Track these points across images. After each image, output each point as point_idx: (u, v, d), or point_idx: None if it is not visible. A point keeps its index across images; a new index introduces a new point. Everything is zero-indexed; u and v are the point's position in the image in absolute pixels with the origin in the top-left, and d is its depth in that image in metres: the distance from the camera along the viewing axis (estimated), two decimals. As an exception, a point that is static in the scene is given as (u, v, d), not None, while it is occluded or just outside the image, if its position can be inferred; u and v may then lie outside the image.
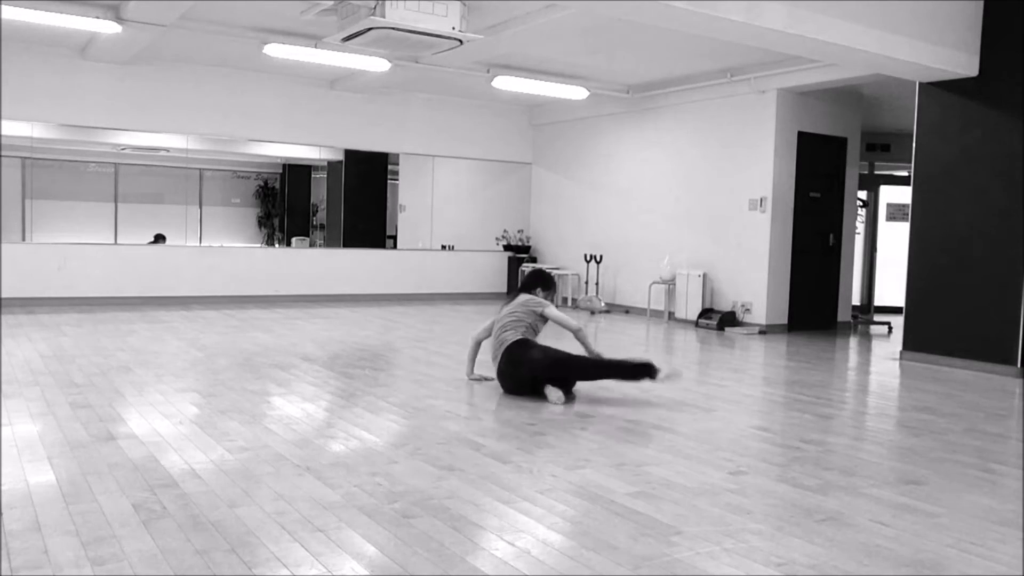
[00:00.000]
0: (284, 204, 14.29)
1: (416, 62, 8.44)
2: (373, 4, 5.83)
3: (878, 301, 10.54)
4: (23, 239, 10.81)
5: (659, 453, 3.74)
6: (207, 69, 9.58)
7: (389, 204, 13.19)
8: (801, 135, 8.75)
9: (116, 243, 11.76)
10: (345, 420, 4.19)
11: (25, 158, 10.95)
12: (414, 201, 13.31)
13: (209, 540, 2.54)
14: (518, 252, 11.84)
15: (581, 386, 5.10)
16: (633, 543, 2.62)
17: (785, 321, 8.83)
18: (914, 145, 7.01)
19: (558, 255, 11.56)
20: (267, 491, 3.03)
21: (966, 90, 6.64)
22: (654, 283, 9.72)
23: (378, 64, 8.34)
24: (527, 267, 11.43)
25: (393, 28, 5.87)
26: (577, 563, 2.45)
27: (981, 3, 6.49)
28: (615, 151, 10.63)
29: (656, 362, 4.79)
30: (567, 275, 11.11)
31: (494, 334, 5.06)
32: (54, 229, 11.62)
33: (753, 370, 6.30)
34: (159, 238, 11.33)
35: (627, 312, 10.26)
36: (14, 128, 9.34)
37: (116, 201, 12.93)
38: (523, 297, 5.22)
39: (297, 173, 14.18)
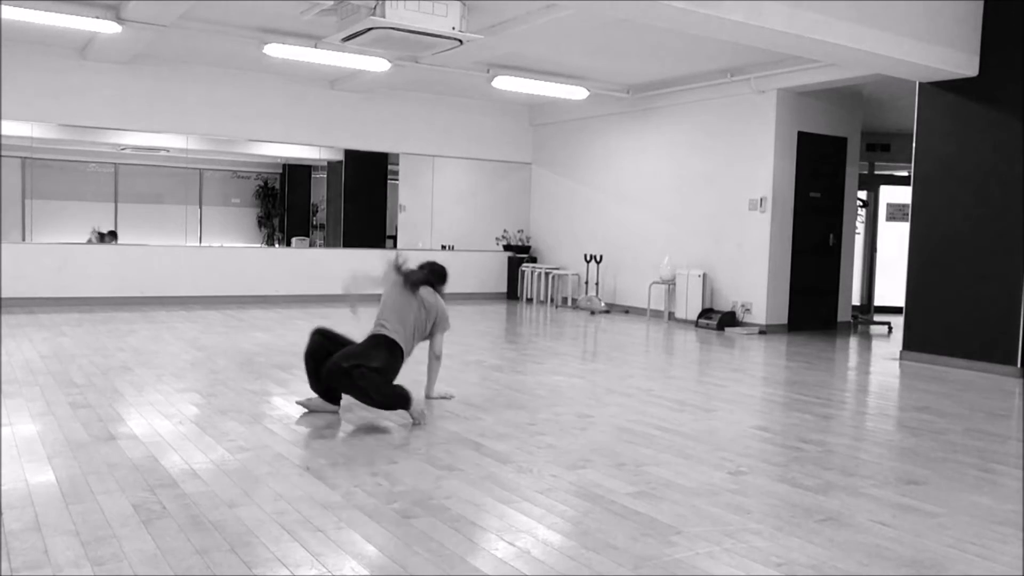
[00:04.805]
0: (284, 204, 14.30)
1: (416, 62, 8.44)
2: (373, 4, 5.83)
3: (878, 301, 10.54)
4: (23, 239, 10.82)
5: (659, 453, 3.74)
6: (207, 69, 9.58)
7: (389, 204, 13.20)
8: (801, 135, 8.75)
9: (116, 243, 11.75)
10: (345, 420, 4.19)
11: (25, 158, 10.95)
12: (414, 201, 13.31)
13: (209, 540, 2.54)
14: (518, 252, 11.84)
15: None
16: (633, 543, 2.62)
17: (785, 321, 8.83)
18: (914, 145, 7.01)
19: (558, 255, 11.56)
20: (267, 491, 3.03)
21: (966, 90, 6.64)
22: (654, 283, 9.71)
23: (378, 64, 8.34)
24: (527, 267, 11.44)
25: (393, 28, 5.87)
26: (577, 563, 2.45)
27: (981, 3, 6.49)
28: (615, 151, 10.63)
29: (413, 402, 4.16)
30: (567, 275, 11.11)
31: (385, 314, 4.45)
32: (54, 229, 11.63)
33: (753, 370, 6.30)
34: (110, 236, 11.27)
35: (627, 312, 10.26)
36: (14, 128, 9.34)
37: (116, 201, 12.94)
38: (435, 298, 4.61)
39: (297, 173, 14.20)
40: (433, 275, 4.70)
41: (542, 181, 11.95)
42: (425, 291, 4.58)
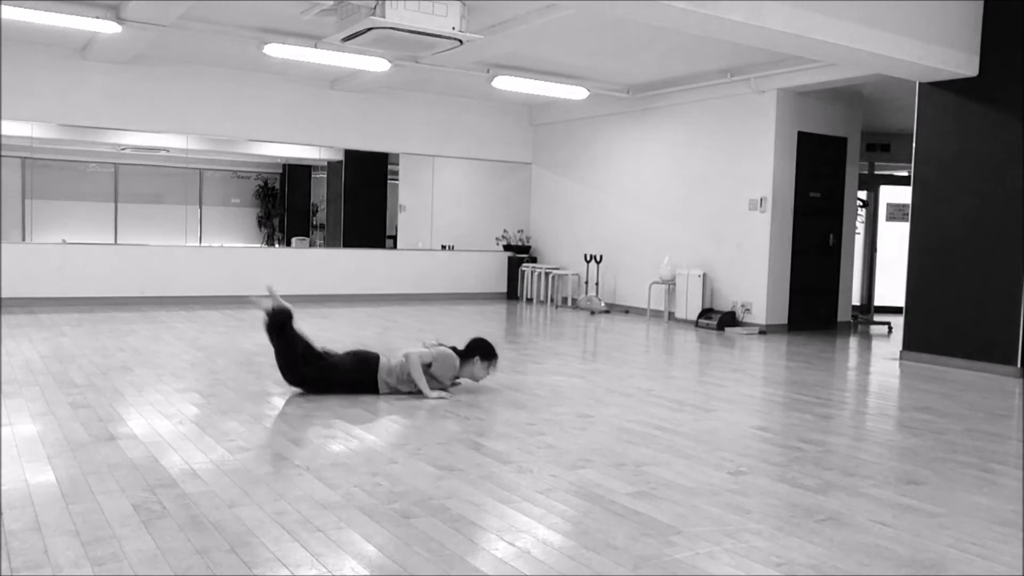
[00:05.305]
0: (284, 204, 14.30)
1: (416, 62, 8.44)
2: (373, 4, 5.83)
3: (878, 301, 10.54)
4: (23, 239, 10.82)
5: (659, 453, 3.74)
6: (207, 69, 9.58)
7: (389, 204, 13.20)
8: (801, 135, 8.75)
9: (116, 243, 11.76)
10: (345, 420, 4.19)
11: (25, 158, 10.96)
12: (414, 201, 13.31)
13: (209, 540, 2.54)
14: (518, 252, 11.84)
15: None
16: (633, 543, 2.62)
17: (785, 321, 8.83)
18: (914, 145, 7.02)
19: (558, 255, 11.56)
20: (267, 491, 3.03)
21: (966, 90, 6.64)
22: (654, 283, 9.71)
23: (378, 64, 8.34)
24: (527, 267, 11.44)
25: (393, 28, 5.87)
26: (577, 563, 2.45)
27: (981, 3, 6.49)
28: (615, 151, 10.63)
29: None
30: (567, 275, 11.11)
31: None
32: (54, 229, 11.63)
33: (753, 370, 6.30)
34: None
35: (627, 312, 10.26)
36: (14, 128, 9.35)
37: (116, 201, 12.94)
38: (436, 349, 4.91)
39: (297, 173, 14.20)
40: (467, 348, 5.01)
41: (542, 181, 11.95)
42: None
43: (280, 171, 14.33)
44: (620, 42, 7.72)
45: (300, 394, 4.80)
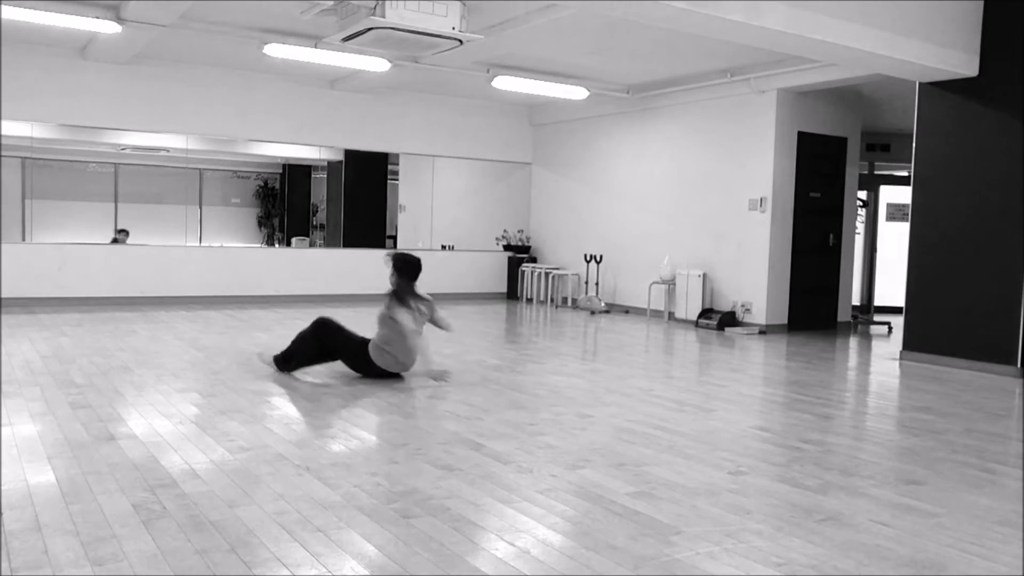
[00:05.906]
0: (284, 204, 14.31)
1: (416, 62, 8.44)
2: (373, 4, 5.83)
3: (878, 301, 10.54)
4: (23, 239, 10.82)
5: (659, 453, 3.74)
6: (207, 69, 9.58)
7: (389, 204, 13.20)
8: (801, 135, 8.75)
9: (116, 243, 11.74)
10: (345, 420, 4.20)
11: (25, 158, 10.96)
12: (414, 201, 13.31)
13: (209, 540, 2.54)
14: (518, 252, 11.83)
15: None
16: (633, 543, 2.62)
17: (785, 321, 8.83)
18: (914, 145, 7.01)
19: (558, 255, 11.56)
20: (267, 491, 3.03)
21: (966, 90, 6.64)
22: (654, 283, 9.71)
23: (378, 64, 8.34)
24: (527, 267, 11.44)
25: (393, 28, 5.87)
26: (577, 563, 2.45)
27: (981, 3, 6.49)
28: (615, 151, 10.63)
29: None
30: (567, 275, 11.11)
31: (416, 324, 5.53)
32: (54, 229, 11.63)
33: (753, 370, 6.30)
34: (122, 234, 11.32)
35: (627, 312, 10.26)
36: (14, 128, 9.35)
37: (116, 201, 12.94)
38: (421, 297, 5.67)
39: (297, 173, 14.20)
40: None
41: (542, 181, 11.95)
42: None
43: (280, 171, 14.33)
44: (620, 42, 7.72)
45: (300, 393, 4.80)
